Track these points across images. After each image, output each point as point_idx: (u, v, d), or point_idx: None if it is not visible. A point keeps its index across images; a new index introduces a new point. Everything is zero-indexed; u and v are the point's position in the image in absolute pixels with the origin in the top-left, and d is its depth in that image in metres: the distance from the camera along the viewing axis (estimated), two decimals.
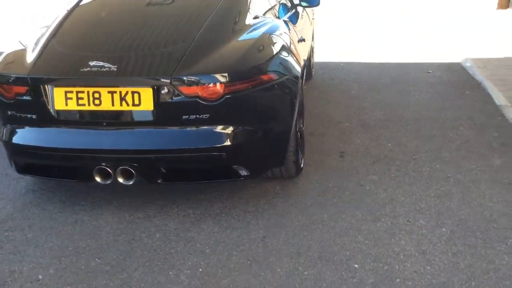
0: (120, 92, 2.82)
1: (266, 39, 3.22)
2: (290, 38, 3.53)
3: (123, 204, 3.35)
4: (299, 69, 3.37)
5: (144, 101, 2.82)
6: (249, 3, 3.54)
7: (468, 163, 3.80)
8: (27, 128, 3.04)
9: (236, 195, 3.43)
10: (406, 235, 2.95)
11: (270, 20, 3.63)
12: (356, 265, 2.70)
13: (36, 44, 3.19)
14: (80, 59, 2.95)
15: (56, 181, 3.60)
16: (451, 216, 3.12)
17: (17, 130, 3.07)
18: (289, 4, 4.70)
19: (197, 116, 2.84)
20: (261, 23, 3.45)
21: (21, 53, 3.18)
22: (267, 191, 3.48)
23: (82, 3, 3.56)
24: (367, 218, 3.13)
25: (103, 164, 2.94)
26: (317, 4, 4.88)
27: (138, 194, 3.43)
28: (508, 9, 10.38)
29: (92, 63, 2.85)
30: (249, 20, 3.43)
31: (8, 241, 3.03)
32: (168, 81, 2.78)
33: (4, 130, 3.13)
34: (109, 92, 2.82)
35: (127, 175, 2.98)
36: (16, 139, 3.06)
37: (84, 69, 2.84)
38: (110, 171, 2.96)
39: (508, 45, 7.53)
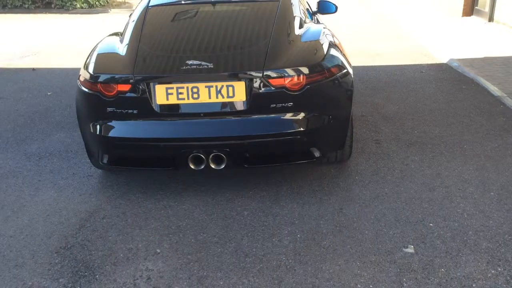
0: (216, 86, 3.21)
1: (324, 39, 3.69)
2: (334, 38, 4.01)
3: (201, 191, 3.71)
4: (349, 64, 3.84)
5: (237, 93, 3.22)
6: (298, 10, 4.00)
7: (490, 142, 4.37)
8: (127, 122, 3.34)
9: (298, 178, 3.85)
10: (462, 200, 3.45)
11: (315, 24, 4.12)
12: (431, 224, 3.17)
13: (123, 47, 3.52)
14: (178, 59, 3.33)
15: (127, 176, 3.93)
16: (494, 183, 3.64)
17: (114, 125, 3.37)
18: (311, 11, 5.20)
19: (283, 104, 3.26)
20: (311, 26, 3.93)
21: (112, 56, 3.51)
22: (325, 174, 3.92)
23: (150, 9, 3.89)
24: (423, 189, 3.61)
25: (198, 151, 3.30)
26: (335, 11, 5.41)
27: (208, 182, 3.79)
28: (472, 16, 11.27)
29: (189, 62, 3.23)
30: (300, 23, 3.88)
31: (110, 226, 3.33)
32: (260, 74, 3.19)
33: (98, 126, 3.41)
34: (206, 86, 3.21)
35: (218, 161, 3.35)
36: (114, 133, 3.36)
37: (183, 68, 3.22)
38: (204, 157, 3.32)
39: (481, 46, 8.30)
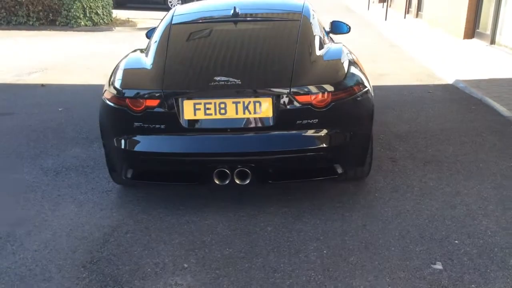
0: (244, 102, 3.25)
1: (345, 58, 3.74)
2: (353, 55, 4.07)
3: (222, 207, 3.71)
4: (369, 82, 3.90)
5: (264, 109, 3.26)
6: (318, 29, 4.07)
7: (505, 162, 4.41)
8: (154, 136, 3.36)
9: (318, 195, 3.87)
10: (484, 217, 3.48)
11: (334, 43, 4.18)
12: (456, 241, 3.19)
13: (149, 63, 3.56)
14: (206, 75, 3.37)
15: (146, 192, 3.94)
16: None
17: (141, 139, 3.39)
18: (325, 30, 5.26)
19: (308, 121, 3.30)
20: (332, 45, 3.99)
21: (139, 72, 3.55)
22: (344, 191, 3.94)
23: (173, 26, 3.92)
24: (444, 206, 3.64)
25: (224, 166, 3.32)
26: (347, 31, 5.49)
27: (229, 198, 3.81)
28: (473, 39, 11.42)
29: (217, 78, 3.27)
30: (321, 42, 3.94)
31: (135, 241, 3.33)
32: (287, 91, 3.24)
33: (123, 140, 3.43)
34: (233, 102, 3.25)
35: (243, 176, 3.38)
36: (140, 147, 3.38)
37: (212, 84, 3.26)
38: (229, 172, 3.34)
39: (485, 68, 8.41)
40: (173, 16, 4.05)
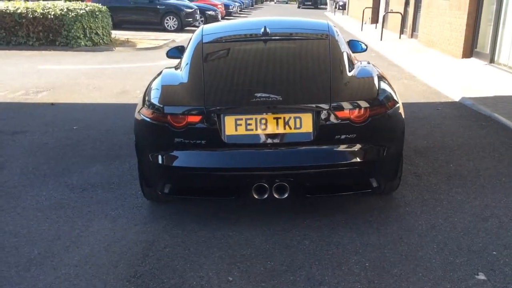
0: (284, 118, 3.31)
1: (376, 75, 3.83)
2: (381, 73, 4.15)
3: (255, 221, 3.73)
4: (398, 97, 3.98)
5: (304, 124, 3.32)
6: (344, 46, 4.16)
7: None
8: (195, 152, 3.39)
9: (349, 209, 3.91)
10: None
11: (363, 61, 4.27)
12: (494, 252, 3.24)
13: (187, 80, 3.61)
14: (246, 92, 3.43)
15: (177, 207, 3.96)
16: None
17: (182, 155, 3.42)
18: None
19: (347, 136, 3.37)
20: (361, 63, 4.08)
21: (178, 88, 3.59)
22: (374, 205, 3.98)
23: (205, 45, 3.98)
24: (476, 219, 3.70)
25: (263, 180, 3.36)
26: (363, 50, 5.58)
27: (261, 213, 3.84)
28: (472, 58, 11.64)
29: (258, 95, 3.33)
30: (349, 58, 4.02)
31: (174, 255, 3.33)
32: (328, 107, 3.31)
33: (164, 156, 3.45)
34: (274, 118, 3.31)
35: (281, 190, 3.42)
36: (180, 163, 3.40)
37: (253, 100, 3.32)
38: (267, 187, 3.38)
39: (487, 86, 8.56)
40: (202, 35, 4.10)
